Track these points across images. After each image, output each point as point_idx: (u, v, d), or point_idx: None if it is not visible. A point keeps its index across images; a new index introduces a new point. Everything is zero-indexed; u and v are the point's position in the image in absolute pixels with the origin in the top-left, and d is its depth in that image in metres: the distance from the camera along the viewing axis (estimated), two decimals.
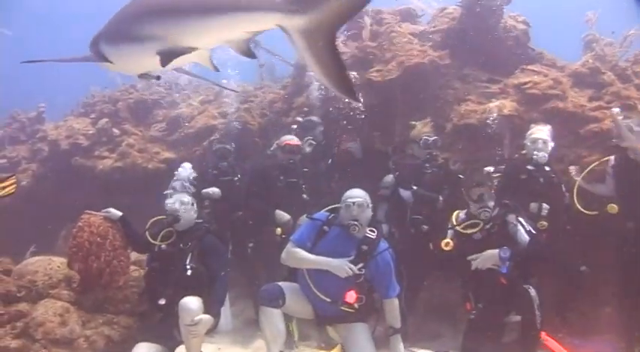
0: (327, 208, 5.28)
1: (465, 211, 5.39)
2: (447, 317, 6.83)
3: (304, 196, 6.69)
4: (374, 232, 5.09)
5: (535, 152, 5.95)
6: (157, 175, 8.89)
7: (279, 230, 6.41)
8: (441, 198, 6.31)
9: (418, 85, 7.59)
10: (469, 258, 5.12)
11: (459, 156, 6.99)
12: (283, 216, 6.48)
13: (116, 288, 5.50)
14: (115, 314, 5.45)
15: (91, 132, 10.27)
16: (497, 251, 4.98)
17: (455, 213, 5.43)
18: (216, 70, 3.80)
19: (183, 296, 4.81)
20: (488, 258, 5.04)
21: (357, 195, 5.06)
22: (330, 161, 7.36)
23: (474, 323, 5.16)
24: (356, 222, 4.91)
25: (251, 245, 6.72)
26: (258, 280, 6.72)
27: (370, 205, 5.09)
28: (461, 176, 6.37)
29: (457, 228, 5.26)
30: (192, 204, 5.44)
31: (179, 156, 9.17)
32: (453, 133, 7.19)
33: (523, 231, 5.15)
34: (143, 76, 3.96)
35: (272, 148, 7.13)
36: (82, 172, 9.83)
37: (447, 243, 5.21)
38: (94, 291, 5.46)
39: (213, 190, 6.83)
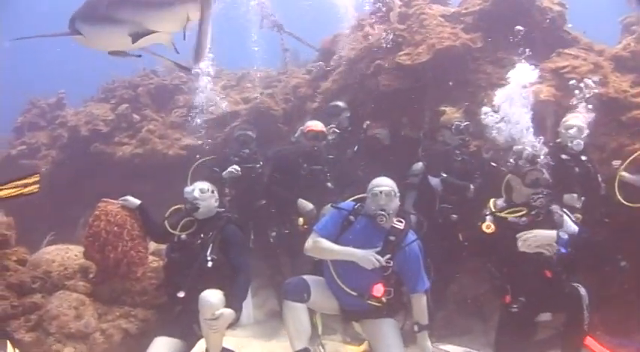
0: (353, 197, 5.04)
1: (502, 199, 5.08)
2: (475, 312, 6.63)
3: (328, 184, 6.43)
4: (402, 222, 4.83)
5: (570, 140, 5.58)
6: (178, 162, 8.78)
7: (301, 220, 6.18)
8: (472, 187, 6.04)
9: (449, 69, 7.27)
10: (518, 234, 4.75)
11: (493, 144, 6.44)
12: (306, 205, 6.23)
13: (134, 280, 5.33)
14: (133, 307, 5.28)
15: (110, 118, 10.13)
16: (554, 231, 4.67)
17: (491, 201, 5.11)
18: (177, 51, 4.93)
19: (203, 289, 4.59)
20: (543, 236, 4.68)
21: (384, 183, 4.82)
22: (356, 148, 7.10)
23: (513, 318, 4.84)
24: (383, 212, 4.66)
25: (274, 234, 6.48)
26: (281, 271, 6.66)
27: (398, 194, 4.84)
28: (494, 164, 6.11)
29: (498, 213, 4.92)
30: (212, 192, 5.25)
31: (200, 142, 8.86)
32: None
33: (570, 222, 4.85)
34: (114, 53, 4.93)
35: (296, 135, 6.95)
36: (102, 159, 9.70)
37: (489, 226, 4.86)
38: (110, 283, 5.32)
39: (234, 168, 6.59)
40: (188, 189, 5.19)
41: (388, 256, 4.62)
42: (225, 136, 8.82)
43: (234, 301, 4.67)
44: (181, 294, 4.76)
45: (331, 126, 6.93)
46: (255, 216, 6.57)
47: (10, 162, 10.60)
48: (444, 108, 6.59)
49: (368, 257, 4.54)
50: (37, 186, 4.91)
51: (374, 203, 4.74)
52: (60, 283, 5.16)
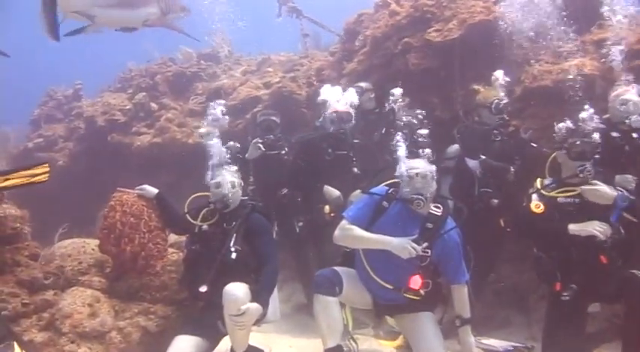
0: (386, 182, 4.73)
1: (550, 179, 4.72)
2: (515, 303, 6.30)
3: (355, 170, 6.18)
4: (439, 208, 4.54)
5: (626, 115, 5.14)
6: (198, 151, 8.23)
7: (327, 208, 5.96)
8: (512, 169, 5.67)
9: (482, 45, 6.85)
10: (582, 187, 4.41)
11: (531, 123, 6.27)
12: (333, 192, 6.00)
13: (152, 274, 5.06)
14: (152, 303, 5.00)
15: (127, 107, 10.02)
16: (615, 193, 4.32)
17: (538, 180, 4.76)
18: None
19: (227, 283, 4.31)
20: (603, 192, 4.32)
21: (420, 165, 4.51)
22: (383, 130, 6.70)
23: (563, 308, 4.44)
24: (420, 197, 4.35)
25: (300, 224, 6.27)
26: (308, 263, 6.47)
27: (435, 177, 4.53)
28: (534, 144, 5.80)
29: (546, 192, 4.56)
30: (241, 184, 4.99)
31: (221, 129, 8.47)
32: (524, 98, 6.48)
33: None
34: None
35: (320, 119, 6.60)
36: (120, 150, 9.60)
37: (538, 205, 4.50)
38: (127, 278, 5.07)
39: (257, 144, 6.43)
40: (214, 183, 4.87)
41: (425, 244, 4.31)
42: (247, 123, 8.61)
43: (261, 295, 4.38)
44: (204, 289, 4.48)
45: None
46: (279, 204, 6.29)
47: (26, 156, 10.54)
48: (477, 86, 6.33)
49: (404, 245, 4.23)
50: (46, 175, 4.59)
51: (409, 187, 4.44)
52: (74, 279, 4.91)
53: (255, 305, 4.25)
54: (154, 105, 9.95)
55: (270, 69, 9.67)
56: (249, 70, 10.40)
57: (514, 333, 5.90)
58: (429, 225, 4.42)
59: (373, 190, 4.66)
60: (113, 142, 9.61)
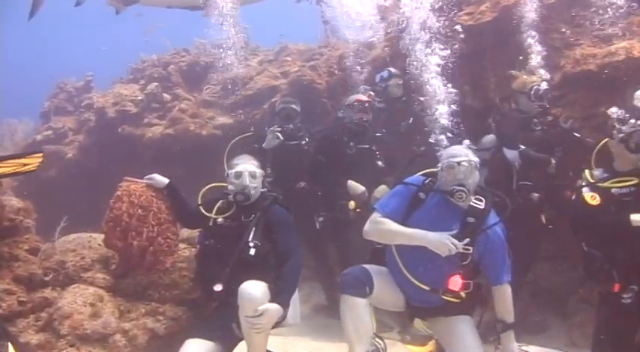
0: (422, 171, 4.37)
1: (599, 169, 4.31)
2: (553, 306, 5.99)
3: (379, 163, 6.03)
4: (481, 201, 4.14)
5: None
6: (212, 142, 8.35)
7: (352, 203, 5.77)
8: (553, 161, 5.36)
9: (517, 29, 6.43)
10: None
11: (571, 111, 5.93)
12: (357, 187, 5.83)
13: (162, 271, 4.81)
14: (161, 303, 4.74)
15: (139, 98, 9.74)
16: None
17: (586, 171, 4.35)
18: None
19: (244, 281, 3.97)
20: None
21: (461, 153, 4.13)
22: (411, 120, 6.55)
23: (620, 312, 4.01)
24: (462, 188, 3.97)
25: (320, 219, 6.08)
26: (328, 261, 6.34)
27: (478, 166, 4.14)
28: (577, 134, 5.48)
29: (601, 184, 4.14)
30: (262, 174, 4.63)
31: (236, 120, 8.52)
32: (564, 84, 6.11)
33: None
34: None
35: (342, 111, 6.48)
36: (131, 142, 9.34)
37: (594, 197, 4.10)
38: (134, 275, 4.81)
39: (275, 133, 6.20)
40: (233, 173, 4.50)
41: (467, 240, 3.93)
42: (264, 113, 8.41)
43: (281, 295, 4.01)
44: (218, 288, 4.15)
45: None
46: (298, 198, 6.02)
47: (34, 148, 9.93)
48: (514, 72, 5.91)
49: (443, 241, 3.86)
50: (38, 163, 4.27)
51: (450, 177, 4.06)
52: (76, 275, 4.61)
53: (274, 306, 3.88)
54: (166, 95, 9.67)
55: (288, 58, 9.41)
56: (265, 59, 10.18)
57: (552, 339, 5.59)
58: (471, 220, 4.05)
59: (408, 180, 4.30)
60: (124, 134, 9.33)
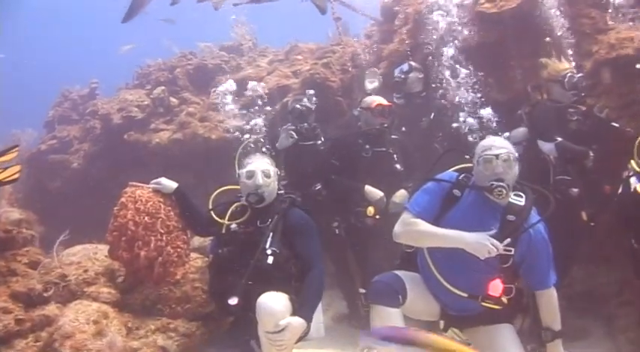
0: (455, 167, 4.09)
1: None
2: (592, 310, 5.67)
3: (397, 166, 5.79)
4: (521, 197, 3.83)
5: None
6: (223, 147, 8.02)
7: (370, 210, 5.54)
8: (591, 154, 5.03)
9: (542, 16, 6.24)
10: None
11: (606, 101, 5.66)
12: (375, 193, 5.61)
13: (172, 283, 4.65)
14: (172, 318, 4.55)
15: (145, 103, 9.49)
16: None
17: (632, 162, 4.21)
18: None
19: (262, 293, 3.77)
20: None
21: (499, 144, 3.82)
22: (432, 116, 6.36)
23: None
24: (502, 183, 3.65)
25: (335, 224, 5.85)
26: (348, 267, 6.15)
27: (517, 159, 3.83)
28: (615, 124, 5.20)
29: None
30: (277, 173, 4.40)
31: (247, 123, 7.89)
32: (597, 71, 5.84)
33: None
34: None
35: (357, 109, 6.21)
36: (138, 148, 9.10)
37: None
38: (142, 288, 4.65)
39: (289, 132, 6.01)
40: (245, 172, 4.26)
41: (508, 240, 3.62)
42: (276, 114, 8.08)
43: (304, 307, 3.77)
44: (234, 301, 3.90)
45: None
46: (315, 202, 5.77)
47: (39, 158, 10.21)
48: (545, 60, 5.63)
49: (482, 242, 3.56)
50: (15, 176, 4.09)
51: (487, 171, 3.75)
52: (79, 290, 4.44)
53: (297, 321, 3.62)
54: (173, 100, 9.44)
55: (299, 57, 9.16)
56: (275, 59, 9.93)
57: (594, 346, 5.31)
58: (511, 218, 3.73)
59: (440, 176, 4.00)
60: (130, 141, 9.11)
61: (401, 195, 5.45)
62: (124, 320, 4.30)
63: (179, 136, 8.77)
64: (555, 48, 5.89)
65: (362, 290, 5.55)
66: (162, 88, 9.53)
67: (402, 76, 6.52)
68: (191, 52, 10.69)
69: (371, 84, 6.61)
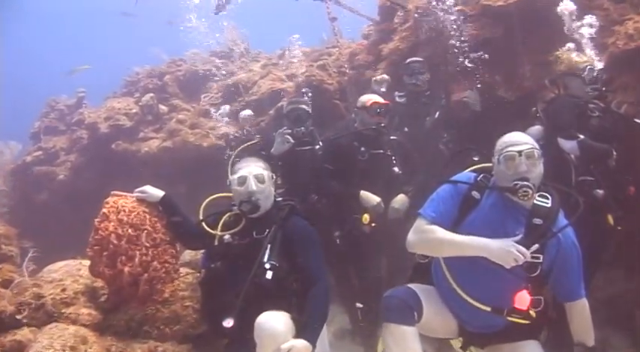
0: (473, 167, 3.79)
1: None
2: (614, 320, 5.32)
3: (395, 170, 5.53)
4: (547, 199, 3.50)
5: None
6: (215, 155, 7.77)
7: (366, 217, 5.27)
8: (614, 153, 4.73)
9: (551, 9, 5.98)
10: None
11: (624, 96, 5.38)
12: (371, 198, 5.33)
13: (160, 302, 4.24)
14: (160, 341, 4.14)
15: (134, 111, 9.41)
16: None
17: None
18: None
19: (260, 312, 3.45)
20: None
21: (522, 140, 3.51)
22: (437, 115, 6.18)
23: None
24: (527, 183, 3.33)
25: (337, 234, 5.53)
26: (350, 280, 5.79)
27: (542, 156, 3.51)
28: (638, 121, 4.87)
29: None
30: (272, 177, 4.04)
31: (240, 129, 8.04)
32: (614, 64, 5.53)
33: None
34: None
35: (355, 113, 5.96)
36: (126, 159, 8.99)
37: None
38: (127, 308, 4.22)
39: (285, 136, 5.61)
40: (237, 178, 3.92)
41: (535, 247, 3.31)
42: (270, 120, 8.02)
43: (308, 327, 3.43)
44: (229, 323, 3.56)
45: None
46: (313, 210, 5.50)
47: (24, 170, 10.11)
48: (562, 52, 5.53)
49: (507, 249, 3.26)
50: None
51: (509, 170, 3.44)
52: (56, 312, 3.98)
53: (301, 343, 3.28)
54: (163, 107, 9.34)
55: (294, 60, 8.93)
56: (269, 63, 9.88)
57: None
58: (538, 221, 3.42)
59: (456, 177, 3.68)
60: (119, 151, 9.00)
61: (400, 200, 5.25)
62: (106, 344, 3.89)
63: (169, 144, 8.65)
64: (567, 42, 5.67)
65: (359, 305, 5.37)
66: (151, 95, 9.40)
67: (418, 83, 6.29)
68: (181, 58, 10.64)
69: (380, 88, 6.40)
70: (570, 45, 5.59)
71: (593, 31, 5.66)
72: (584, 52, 5.31)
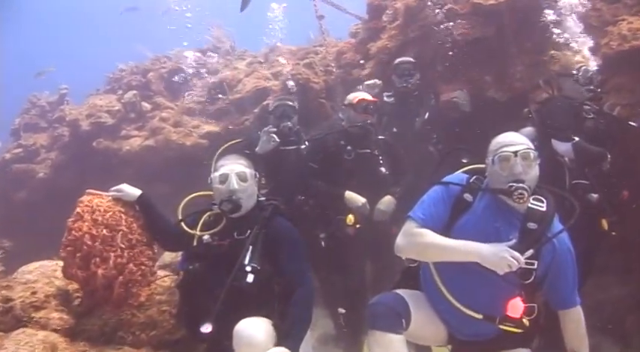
0: (465, 168, 3.65)
1: None
2: (604, 327, 5.25)
3: (382, 170, 5.37)
4: (542, 202, 3.37)
5: None
6: (199, 154, 7.81)
7: (351, 218, 5.11)
8: (609, 156, 4.68)
9: (541, 9, 6.05)
10: None
11: (617, 98, 5.36)
12: (356, 199, 5.18)
13: (135, 306, 4.07)
14: (135, 347, 3.97)
15: (116, 108, 9.26)
16: None
17: None
18: None
19: (240, 318, 3.32)
20: None
21: (517, 140, 3.40)
22: (426, 116, 6.05)
23: None
24: (523, 185, 3.21)
25: (322, 236, 5.35)
26: (334, 283, 5.59)
27: (538, 157, 3.39)
28: (632, 124, 4.88)
29: None
30: (255, 175, 3.84)
31: (224, 128, 8.13)
32: (607, 66, 5.52)
33: None
34: None
35: (342, 111, 5.81)
36: (108, 157, 8.86)
37: None
38: (100, 312, 4.05)
39: (271, 135, 5.45)
40: (218, 176, 3.74)
41: (530, 252, 3.18)
42: (255, 119, 7.91)
43: (290, 335, 3.30)
44: (207, 329, 3.37)
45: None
46: (299, 212, 5.37)
47: (2, 168, 9.93)
48: (554, 52, 5.56)
49: (501, 254, 3.13)
50: None
51: (505, 171, 3.31)
52: (25, 316, 3.78)
53: (281, 351, 3.13)
54: (146, 105, 9.22)
55: (280, 58, 8.93)
56: (255, 61, 9.75)
57: None
58: (532, 226, 3.28)
59: (448, 179, 3.54)
60: (100, 149, 8.86)
61: (387, 201, 5.11)
62: (78, 351, 3.70)
63: (151, 143, 8.53)
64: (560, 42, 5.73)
65: (341, 310, 5.28)
66: (134, 92, 9.30)
67: (409, 85, 6.17)
68: (165, 56, 10.55)
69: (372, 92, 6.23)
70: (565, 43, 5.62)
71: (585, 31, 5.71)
72: (579, 52, 5.31)
